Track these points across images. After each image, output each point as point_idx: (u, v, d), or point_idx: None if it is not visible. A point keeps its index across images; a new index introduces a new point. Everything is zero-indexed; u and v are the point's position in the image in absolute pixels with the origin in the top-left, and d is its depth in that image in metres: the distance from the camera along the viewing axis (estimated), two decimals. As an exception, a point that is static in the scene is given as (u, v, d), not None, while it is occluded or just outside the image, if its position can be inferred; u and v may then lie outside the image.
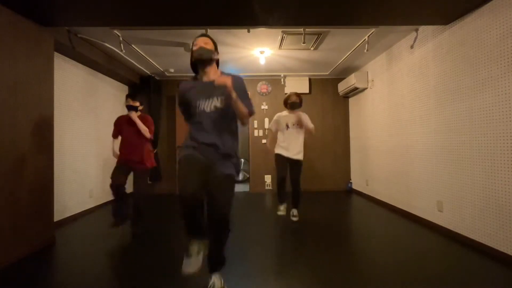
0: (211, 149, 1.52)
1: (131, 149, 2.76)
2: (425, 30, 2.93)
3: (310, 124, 3.10)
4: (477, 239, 2.30)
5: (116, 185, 2.64)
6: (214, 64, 1.60)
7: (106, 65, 3.73)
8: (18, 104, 2.20)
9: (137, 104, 2.78)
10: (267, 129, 3.16)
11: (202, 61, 1.54)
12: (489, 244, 2.19)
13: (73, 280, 1.86)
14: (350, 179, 5.21)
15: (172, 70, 4.64)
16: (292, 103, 3.06)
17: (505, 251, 2.05)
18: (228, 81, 1.39)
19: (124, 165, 2.74)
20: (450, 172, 2.60)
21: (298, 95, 3.11)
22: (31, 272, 1.97)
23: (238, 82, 1.58)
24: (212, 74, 1.58)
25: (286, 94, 5.10)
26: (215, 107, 1.52)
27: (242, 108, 1.51)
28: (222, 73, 1.63)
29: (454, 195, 2.56)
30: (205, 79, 1.58)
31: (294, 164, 3.07)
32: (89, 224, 3.21)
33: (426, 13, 2.38)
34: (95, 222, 3.30)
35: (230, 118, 1.58)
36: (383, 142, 3.92)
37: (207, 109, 1.52)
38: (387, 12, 2.35)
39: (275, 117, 3.19)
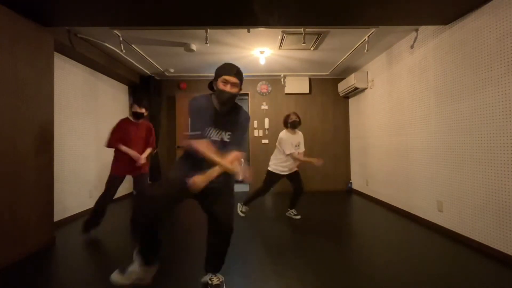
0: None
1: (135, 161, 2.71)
2: (425, 30, 2.93)
3: (302, 148, 3.23)
4: (477, 239, 2.30)
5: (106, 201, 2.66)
6: None
7: (106, 65, 3.73)
8: (18, 104, 2.20)
9: (143, 110, 2.72)
10: (288, 154, 3.03)
11: (224, 104, 1.51)
12: (489, 244, 2.19)
13: (73, 280, 1.85)
14: (350, 179, 5.21)
15: (172, 70, 4.63)
16: (293, 122, 3.10)
17: (505, 251, 2.05)
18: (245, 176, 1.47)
19: (122, 177, 2.72)
20: (450, 172, 2.60)
21: (297, 114, 3.19)
22: (31, 272, 1.96)
23: (246, 119, 1.61)
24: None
25: (286, 94, 5.17)
26: (222, 139, 1.54)
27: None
28: (234, 104, 1.58)
29: (454, 195, 2.56)
30: (218, 107, 1.53)
31: (293, 174, 3.18)
32: (89, 224, 3.20)
33: (426, 13, 2.38)
34: (95, 222, 3.29)
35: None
36: (383, 142, 3.92)
37: (214, 137, 1.51)
38: (387, 12, 2.35)
39: (285, 139, 3.05)
